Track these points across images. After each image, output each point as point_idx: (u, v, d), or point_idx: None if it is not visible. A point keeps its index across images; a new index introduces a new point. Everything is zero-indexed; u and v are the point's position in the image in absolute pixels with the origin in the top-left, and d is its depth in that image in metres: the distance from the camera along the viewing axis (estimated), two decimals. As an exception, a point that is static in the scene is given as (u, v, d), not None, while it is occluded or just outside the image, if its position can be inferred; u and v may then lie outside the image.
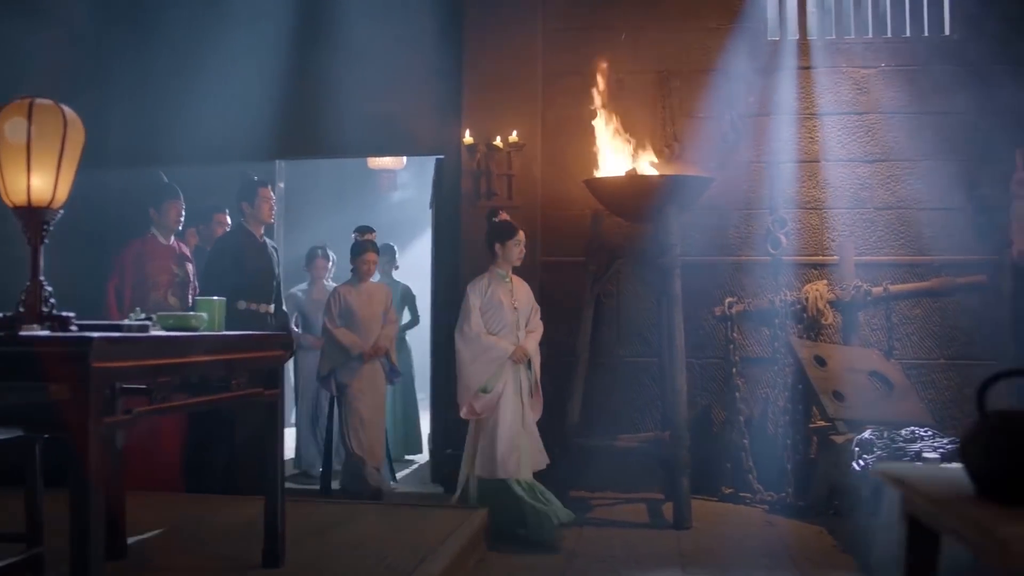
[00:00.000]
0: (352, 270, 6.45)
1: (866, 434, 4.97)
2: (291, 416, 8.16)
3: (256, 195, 5.73)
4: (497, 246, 5.59)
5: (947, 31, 6.81)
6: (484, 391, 5.34)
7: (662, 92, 6.86)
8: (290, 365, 7.26)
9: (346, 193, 10.22)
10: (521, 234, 5.64)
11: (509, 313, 5.51)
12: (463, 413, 5.42)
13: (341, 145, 7.14)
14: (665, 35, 6.88)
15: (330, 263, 7.70)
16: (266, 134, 7.02)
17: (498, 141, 6.62)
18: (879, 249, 6.69)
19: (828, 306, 6.40)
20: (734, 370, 6.48)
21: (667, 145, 6.79)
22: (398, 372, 6.60)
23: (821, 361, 6.11)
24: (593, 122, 6.61)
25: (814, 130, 6.79)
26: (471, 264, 6.64)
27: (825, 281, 6.51)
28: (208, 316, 3.59)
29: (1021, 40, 6.60)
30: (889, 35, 6.84)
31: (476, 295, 5.51)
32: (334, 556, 4.19)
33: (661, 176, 6.06)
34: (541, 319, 5.77)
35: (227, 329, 4.79)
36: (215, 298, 3.73)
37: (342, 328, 6.25)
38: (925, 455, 4.60)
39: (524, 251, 5.65)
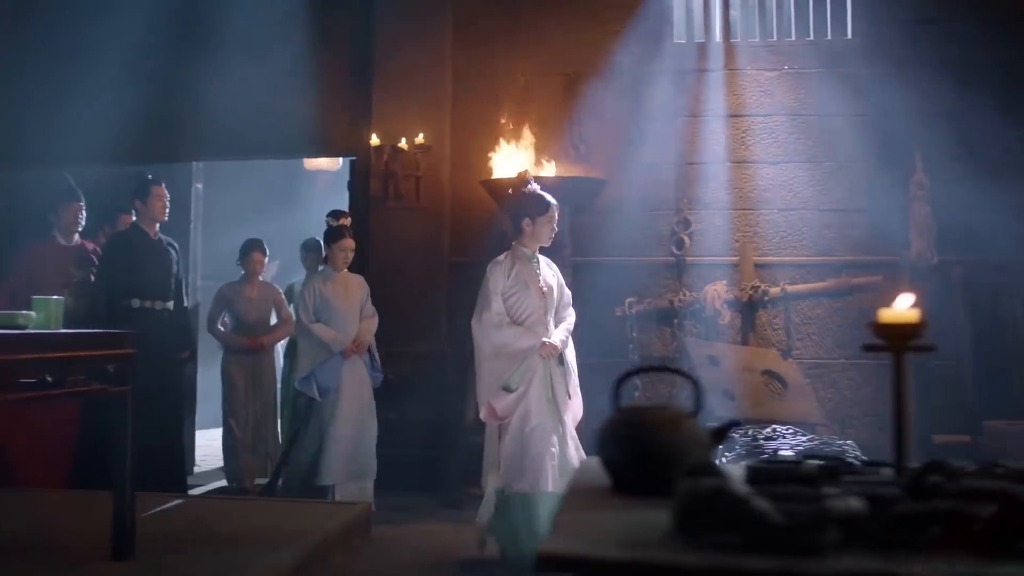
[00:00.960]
0: (325, 259, 5.99)
1: (742, 431, 5.05)
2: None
3: (149, 194, 5.81)
4: (526, 222, 4.74)
5: (849, 35, 6.89)
6: (507, 389, 4.62)
7: (568, 94, 6.95)
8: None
9: (285, 194, 10.32)
10: (555, 210, 4.80)
11: (536, 299, 4.74)
12: (482, 415, 4.73)
13: (256, 146, 7.22)
14: (572, 38, 6.96)
15: (267, 259, 7.36)
16: (181, 135, 7.12)
17: (403, 143, 6.71)
18: (782, 250, 6.77)
19: (726, 306, 6.48)
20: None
21: (573, 147, 6.88)
22: (382, 371, 6.03)
23: (714, 361, 6.19)
24: (501, 122, 6.70)
25: (719, 132, 6.87)
26: (379, 265, 6.75)
27: (724, 281, 6.59)
28: (43, 314, 3.67)
29: (920, 43, 6.69)
30: (793, 38, 6.92)
31: (497, 277, 4.73)
32: (191, 550, 4.28)
33: (550, 177, 6.14)
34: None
35: (116, 327, 4.90)
36: (53, 297, 3.80)
37: (319, 323, 5.78)
38: (781, 452, 4.68)
39: (556, 230, 4.88)
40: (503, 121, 6.70)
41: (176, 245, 6.08)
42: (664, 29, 6.97)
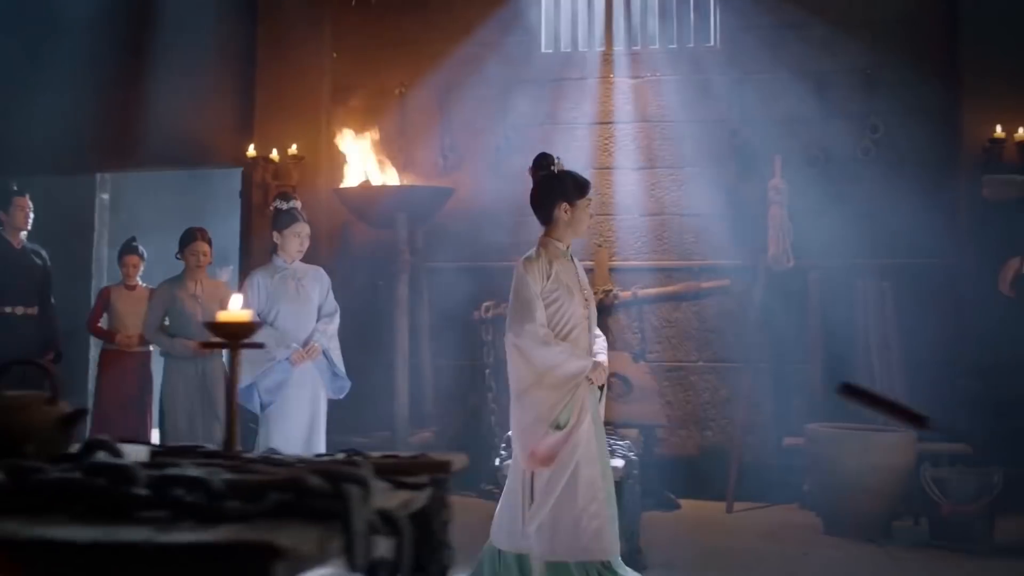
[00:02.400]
0: (273, 250, 5.19)
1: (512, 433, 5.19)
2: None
3: (11, 204, 6.16)
4: (563, 207, 3.86)
5: (712, 42, 6.97)
6: (557, 427, 3.71)
7: (441, 105, 7.16)
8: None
9: (207, 203, 10.59)
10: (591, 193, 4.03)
11: (580, 306, 3.88)
12: (528, 462, 3.75)
13: (152, 158, 7.56)
14: (445, 50, 7.16)
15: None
16: (84, 148, 7.50)
17: (275, 154, 6.99)
18: (643, 254, 6.88)
19: (575, 310, 6.61)
20: (487, 371, 6.74)
21: (443, 155, 7.09)
22: (347, 379, 5.22)
23: (555, 363, 6.33)
24: (373, 132, 6.96)
25: (583, 139, 7.02)
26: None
27: (579, 285, 6.73)
28: None
29: (779, 51, 6.76)
30: (657, 46, 7.03)
31: (536, 278, 3.80)
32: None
33: (389, 186, 6.37)
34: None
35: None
36: None
37: (263, 325, 4.88)
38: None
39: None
40: (373, 131, 6.94)
41: (43, 253, 6.41)
42: (533, 40, 7.14)
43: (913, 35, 6.69)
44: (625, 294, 6.65)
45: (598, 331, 4.03)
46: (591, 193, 4.00)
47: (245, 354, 4.61)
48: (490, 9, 7.08)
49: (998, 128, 6.28)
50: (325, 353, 5.10)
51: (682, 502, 6.40)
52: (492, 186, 6.97)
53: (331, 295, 5.23)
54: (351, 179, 6.63)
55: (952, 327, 6.41)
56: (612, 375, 6.35)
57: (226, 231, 8.86)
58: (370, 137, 6.82)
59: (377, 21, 7.31)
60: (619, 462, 4.84)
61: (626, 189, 6.94)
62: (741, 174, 6.74)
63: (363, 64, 7.24)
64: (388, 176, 6.67)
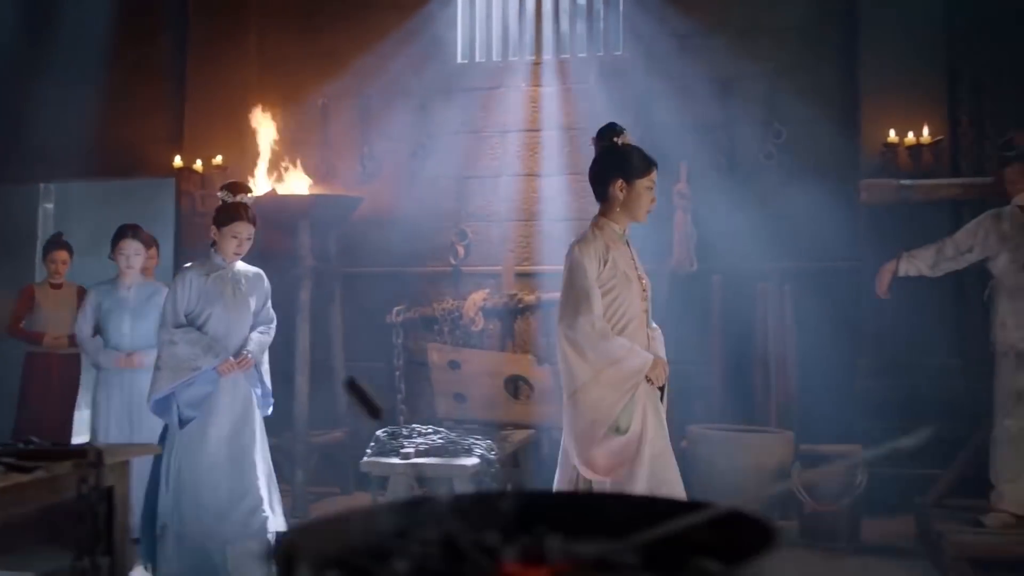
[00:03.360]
0: (213, 245, 4.65)
1: (386, 430, 5.35)
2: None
3: None
4: (619, 184, 3.53)
5: (621, 50, 7.10)
6: (618, 431, 3.34)
7: (361, 115, 7.37)
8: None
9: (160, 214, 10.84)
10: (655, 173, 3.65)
11: (638, 297, 3.57)
12: (587, 471, 3.36)
13: (90, 168, 7.84)
14: (366, 62, 7.36)
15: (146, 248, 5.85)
16: (25, 159, 7.81)
17: (198, 165, 7.24)
18: (555, 259, 6.99)
19: (480, 314, 6.77)
20: (397, 373, 6.91)
21: (362, 164, 7.30)
22: (271, 398, 4.81)
23: (455, 365, 6.49)
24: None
25: (497, 147, 7.19)
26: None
27: (487, 290, 6.89)
28: None
29: (684, 58, 6.88)
30: (568, 55, 7.18)
31: (592, 263, 3.46)
32: None
33: (292, 195, 6.58)
34: None
35: None
36: None
37: (188, 328, 4.50)
38: (403, 450, 4.99)
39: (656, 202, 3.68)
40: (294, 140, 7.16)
41: None
42: (449, 50, 7.32)
43: (815, 42, 6.78)
44: (530, 298, 6.79)
45: (655, 325, 3.72)
46: (655, 173, 3.60)
47: (164, 360, 4.49)
48: (407, 22, 7.27)
49: (892, 133, 6.35)
50: (256, 366, 4.64)
51: (584, 502, 6.51)
52: (409, 194, 7.17)
53: (269, 303, 4.79)
54: (261, 188, 6.86)
55: (852, 328, 6.48)
56: (514, 377, 6.54)
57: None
58: (279, 146, 7.03)
59: (300, 35, 7.53)
60: (473, 460, 5.01)
61: (538, 195, 7.09)
62: (648, 180, 6.84)
63: (287, 76, 7.46)
64: (294, 185, 6.88)
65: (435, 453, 5.06)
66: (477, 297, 6.79)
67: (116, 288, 5.57)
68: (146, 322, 5.42)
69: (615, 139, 3.62)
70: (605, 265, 3.48)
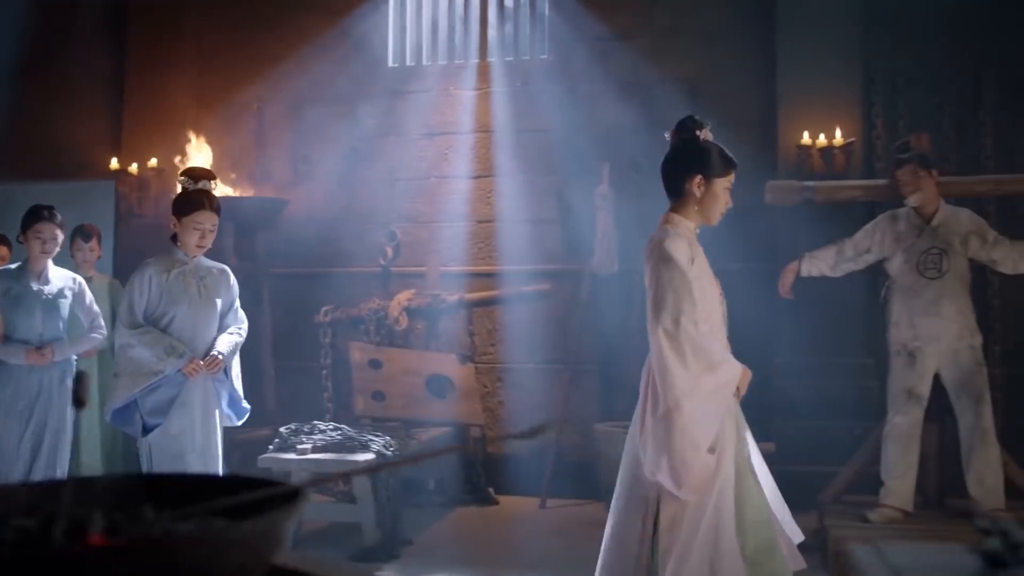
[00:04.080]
0: (173, 238, 4.27)
1: (289, 427, 5.47)
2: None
3: None
4: (697, 181, 3.27)
5: (545, 54, 7.21)
6: (711, 450, 3.01)
7: (295, 118, 7.49)
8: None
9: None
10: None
11: (717, 300, 3.35)
12: (685, 492, 2.97)
13: (32, 171, 7.96)
14: (300, 65, 7.47)
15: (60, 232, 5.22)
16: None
17: (134, 167, 7.38)
18: (479, 260, 7.13)
19: (404, 313, 6.88)
20: (324, 372, 7.03)
21: (295, 167, 7.42)
22: (246, 406, 4.43)
23: (377, 364, 6.60)
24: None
25: (425, 149, 7.30)
26: (124, 280, 7.41)
27: (412, 290, 7.00)
28: None
29: (608, 61, 6.98)
30: (494, 59, 7.29)
31: (684, 257, 3.14)
32: None
33: (231, 196, 6.71)
34: None
35: None
36: None
37: (148, 328, 4.12)
38: (299, 446, 5.11)
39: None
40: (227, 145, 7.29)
41: None
42: (380, 55, 7.44)
43: (734, 45, 6.87)
44: (451, 298, 6.90)
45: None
46: (732, 175, 3.33)
47: (122, 366, 4.12)
48: (340, 27, 7.39)
49: (805, 135, 6.44)
50: (226, 370, 4.27)
51: (504, 498, 6.63)
52: (340, 195, 7.29)
53: (238, 302, 4.43)
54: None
55: (769, 328, 6.56)
56: (435, 376, 6.65)
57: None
58: (211, 150, 7.16)
59: (236, 38, 7.65)
60: (368, 455, 5.12)
61: (463, 196, 7.20)
62: (572, 181, 6.95)
63: (224, 80, 7.58)
64: (222, 187, 7.00)
65: (332, 449, 5.18)
66: (402, 297, 6.90)
67: (24, 275, 4.93)
68: (58, 314, 4.94)
69: (696, 132, 3.35)
70: (692, 263, 3.17)
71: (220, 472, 4.06)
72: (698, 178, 3.25)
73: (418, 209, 7.26)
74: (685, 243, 3.19)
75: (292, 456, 5.07)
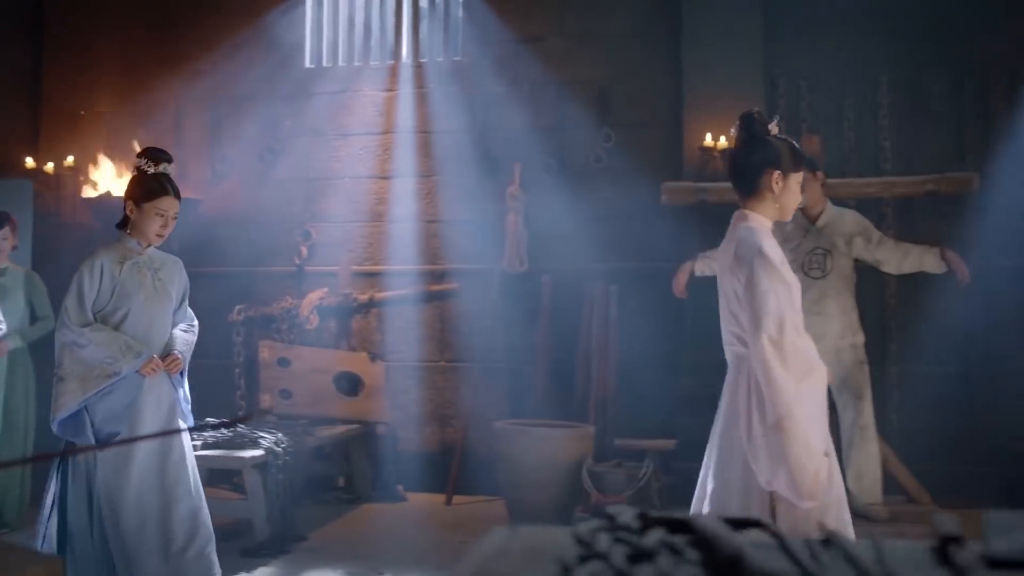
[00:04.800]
0: (123, 227, 3.93)
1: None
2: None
3: None
4: (776, 176, 3.15)
5: (460, 56, 7.29)
6: (826, 453, 2.96)
7: (213, 118, 7.53)
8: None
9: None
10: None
11: (799, 301, 3.14)
12: (807, 498, 2.87)
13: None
14: (217, 66, 7.50)
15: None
16: None
17: (50, 167, 7.40)
18: (393, 259, 7.20)
19: (316, 312, 6.94)
20: (237, 371, 7.08)
21: (213, 167, 7.46)
22: (191, 413, 4.09)
23: (285, 362, 6.66)
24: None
25: (340, 149, 7.36)
26: (43, 279, 7.42)
27: (325, 289, 7.06)
28: None
29: (520, 63, 7.07)
30: (410, 60, 7.36)
31: (779, 258, 3.05)
32: None
33: (115, 198, 6.73)
34: None
35: None
36: None
37: (98, 326, 3.76)
38: (195, 442, 5.16)
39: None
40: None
41: None
42: (296, 56, 7.49)
43: (645, 48, 6.97)
44: (362, 297, 6.97)
45: None
46: (803, 172, 3.25)
47: (69, 368, 3.69)
48: (258, 27, 7.43)
49: (707, 137, 6.55)
50: (182, 372, 3.98)
51: (414, 495, 6.70)
52: (257, 195, 7.34)
53: (187, 299, 4.14)
54: (101, 188, 7.02)
55: (673, 328, 6.66)
56: (344, 374, 6.71)
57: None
58: (131, 148, 7.19)
59: (155, 38, 7.67)
60: (258, 452, 5.18)
61: (380, 197, 7.27)
62: (485, 182, 7.03)
63: (142, 80, 7.60)
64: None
65: (222, 446, 5.23)
66: (313, 296, 6.95)
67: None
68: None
69: (768, 127, 3.24)
70: (783, 263, 3.06)
71: (191, 481, 3.86)
72: (776, 174, 3.15)
73: (333, 209, 7.31)
74: (775, 243, 3.10)
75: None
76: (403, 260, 7.18)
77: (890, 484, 5.60)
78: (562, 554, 1.15)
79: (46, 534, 3.71)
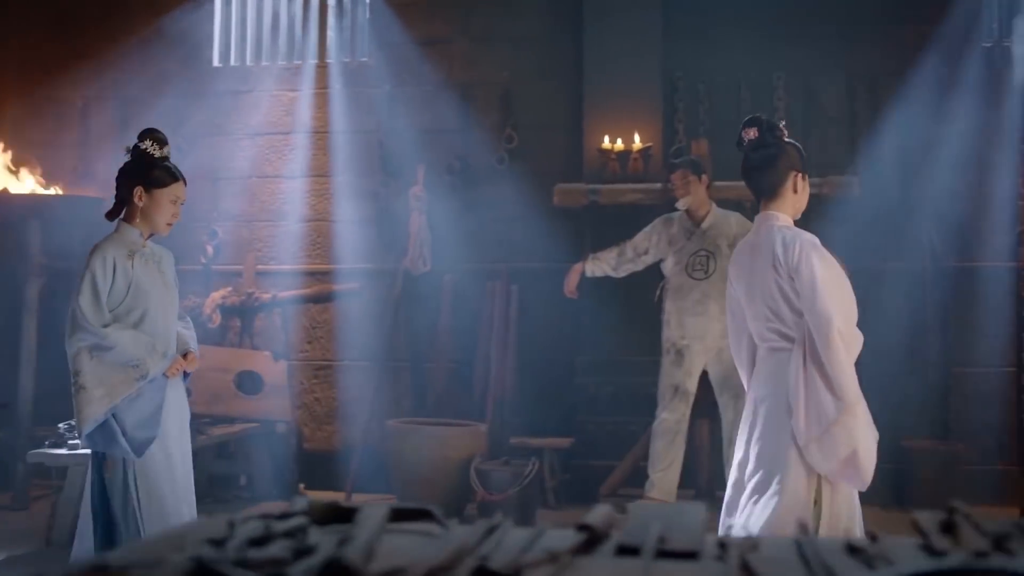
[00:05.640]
0: (121, 215, 3.72)
1: (68, 423, 5.51)
2: None
3: None
4: (797, 178, 3.29)
5: (366, 56, 7.33)
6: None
7: (121, 117, 7.51)
8: None
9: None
10: None
11: None
12: (866, 486, 3.13)
13: None
14: (126, 64, 7.44)
15: None
16: None
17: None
18: (296, 259, 7.23)
19: (218, 311, 6.95)
20: (140, 370, 7.07)
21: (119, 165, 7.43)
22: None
23: (185, 361, 6.66)
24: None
25: (248, 148, 7.37)
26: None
27: (229, 288, 7.07)
28: None
29: (424, 64, 7.12)
30: (314, 60, 7.38)
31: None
32: None
33: (18, 195, 6.72)
34: None
35: None
36: None
37: (118, 327, 3.51)
38: (71, 441, 5.17)
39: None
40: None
41: None
42: (205, 54, 7.49)
43: (547, 51, 7.05)
44: (265, 296, 6.99)
45: None
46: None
47: (90, 376, 3.40)
48: (164, 25, 7.41)
49: (605, 139, 6.64)
50: (185, 372, 3.83)
51: (316, 494, 6.73)
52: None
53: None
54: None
55: (572, 327, 6.75)
56: (244, 373, 6.72)
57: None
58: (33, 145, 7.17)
59: (60, 35, 7.61)
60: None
61: (285, 196, 7.29)
62: (389, 182, 7.08)
63: (47, 76, 7.54)
64: (24, 185, 7.02)
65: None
66: (216, 295, 6.96)
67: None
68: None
69: (783, 131, 3.35)
70: None
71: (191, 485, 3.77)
72: (797, 175, 3.28)
73: (239, 208, 7.33)
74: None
75: (62, 451, 5.11)
76: (307, 259, 7.21)
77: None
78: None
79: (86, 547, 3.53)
